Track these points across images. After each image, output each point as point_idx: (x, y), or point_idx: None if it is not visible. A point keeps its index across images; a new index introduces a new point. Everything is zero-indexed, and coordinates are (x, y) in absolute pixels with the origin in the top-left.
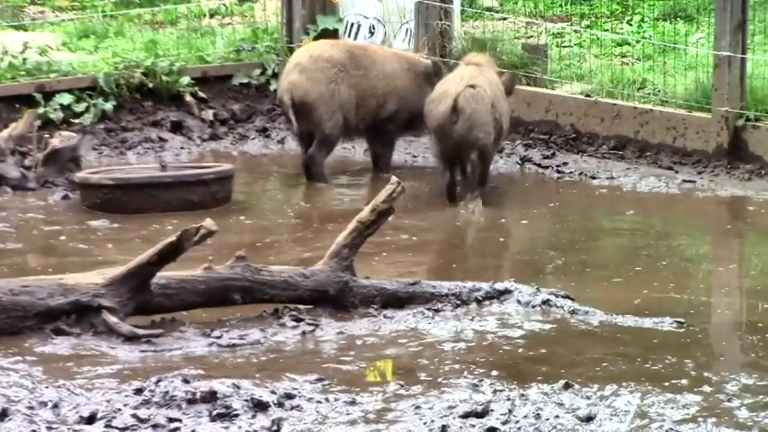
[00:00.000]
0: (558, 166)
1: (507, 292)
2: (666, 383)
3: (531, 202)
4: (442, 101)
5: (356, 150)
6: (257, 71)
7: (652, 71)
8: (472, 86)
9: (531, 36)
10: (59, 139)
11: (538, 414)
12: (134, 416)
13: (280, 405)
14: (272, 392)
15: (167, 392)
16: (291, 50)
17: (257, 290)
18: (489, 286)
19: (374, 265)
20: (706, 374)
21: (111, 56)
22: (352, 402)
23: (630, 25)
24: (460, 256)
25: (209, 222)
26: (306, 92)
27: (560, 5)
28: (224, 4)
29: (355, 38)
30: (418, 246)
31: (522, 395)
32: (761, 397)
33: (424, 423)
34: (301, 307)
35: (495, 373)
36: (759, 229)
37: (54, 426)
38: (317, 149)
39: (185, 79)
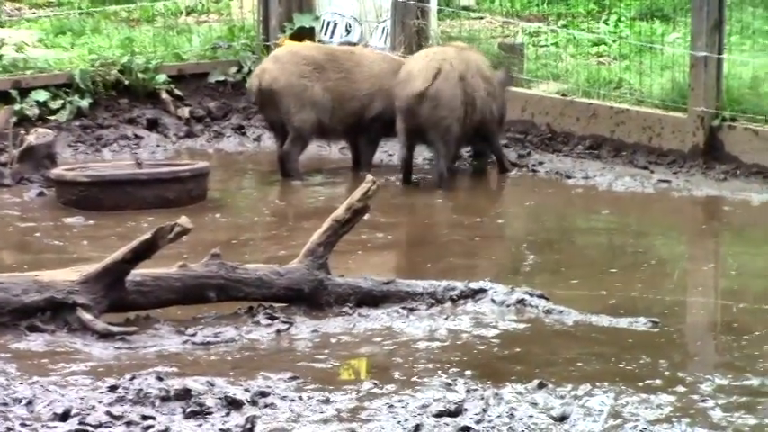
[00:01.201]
0: (533, 165)
1: (482, 291)
2: (640, 383)
3: (506, 201)
4: (409, 82)
5: (331, 149)
6: (233, 69)
7: (628, 71)
8: (437, 65)
9: (508, 35)
10: (35, 136)
11: (512, 413)
12: (108, 413)
13: (253, 403)
14: (246, 390)
15: (141, 390)
16: (268, 48)
17: (232, 288)
18: (464, 285)
19: (349, 263)
20: (680, 374)
21: (87, 53)
22: (326, 401)
23: (607, 25)
24: (435, 255)
25: (184, 220)
26: (274, 78)
27: (537, 5)
28: (201, 2)
29: (332, 36)
30: (393, 244)
31: (496, 394)
32: (735, 397)
33: (398, 422)
34: (276, 305)
35: (469, 372)
36: (734, 229)
37: (28, 422)
38: (290, 145)
39: (161, 77)
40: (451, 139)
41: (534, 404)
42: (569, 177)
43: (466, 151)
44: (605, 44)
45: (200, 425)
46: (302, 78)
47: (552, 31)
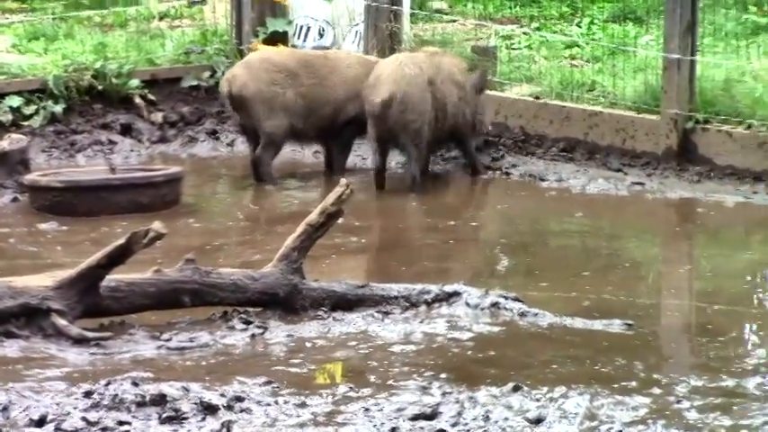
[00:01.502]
0: (507, 168)
1: (456, 294)
2: (616, 385)
3: (480, 204)
4: (377, 86)
5: (305, 153)
6: (207, 74)
7: (601, 73)
8: (406, 69)
9: (481, 38)
10: (8, 142)
11: (487, 416)
12: (83, 419)
13: (229, 408)
14: (222, 395)
15: (117, 395)
16: (241, 53)
17: (206, 292)
18: (438, 289)
19: (324, 267)
20: (655, 376)
21: (60, 58)
22: (302, 405)
23: (580, 27)
24: (410, 259)
25: (158, 225)
26: (244, 84)
27: (509, 8)
28: (173, 7)
29: (305, 40)
30: (367, 248)
31: (472, 397)
32: (710, 399)
33: (374, 425)
34: (251, 310)
35: (444, 375)
36: (708, 230)
37: (4, 428)
38: (262, 150)
39: (135, 82)
40: (422, 142)
41: (509, 407)
42: (543, 180)
43: (440, 155)
44: (578, 47)
45: (175, 430)
46: (273, 85)
47: (525, 33)
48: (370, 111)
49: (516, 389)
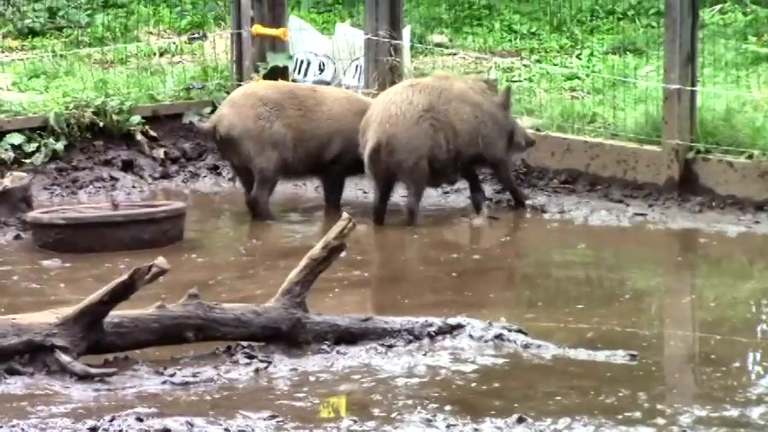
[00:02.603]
0: (509, 200)
1: (460, 326)
2: (620, 416)
3: (483, 236)
4: (366, 130)
5: (307, 187)
6: (207, 109)
7: (602, 105)
8: (391, 109)
9: (481, 71)
10: (10, 180)
11: None
12: None
13: None
14: (226, 430)
15: (121, 431)
16: None
17: (210, 327)
18: (442, 321)
19: (327, 301)
20: (659, 407)
21: (61, 95)
22: None
23: (580, 59)
24: (413, 292)
25: (161, 261)
26: (231, 125)
27: (510, 40)
28: (174, 43)
29: (305, 75)
30: (370, 281)
31: (476, 430)
32: (714, 429)
33: None
34: (254, 344)
35: (448, 407)
36: (710, 261)
37: None
38: (258, 190)
39: (136, 118)
40: (420, 176)
41: None
42: (545, 212)
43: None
44: (579, 78)
45: None
46: (259, 120)
47: (525, 66)
48: (363, 153)
49: (521, 420)
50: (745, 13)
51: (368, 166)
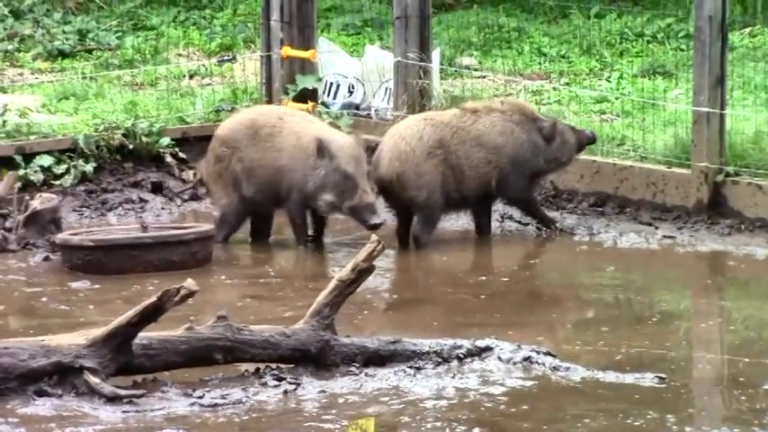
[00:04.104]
0: (538, 222)
1: (488, 349)
2: None
3: (511, 258)
4: (376, 167)
5: None
6: None
7: (631, 127)
8: (399, 144)
9: (510, 94)
10: (40, 201)
11: None
12: None
13: None
14: None
15: None
16: None
17: (239, 349)
18: (470, 343)
19: (355, 323)
20: (688, 429)
21: (90, 117)
22: None
23: (609, 82)
24: (441, 314)
25: (190, 282)
26: (202, 171)
27: (539, 63)
28: (203, 65)
29: (335, 97)
30: (399, 304)
31: None
32: None
33: None
34: (283, 366)
35: (477, 430)
36: (739, 283)
37: None
38: (216, 228)
39: (165, 140)
40: (432, 209)
41: None
42: (574, 234)
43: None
44: (608, 101)
45: None
46: (217, 164)
47: (554, 88)
48: (376, 186)
49: None
50: None
51: (382, 195)
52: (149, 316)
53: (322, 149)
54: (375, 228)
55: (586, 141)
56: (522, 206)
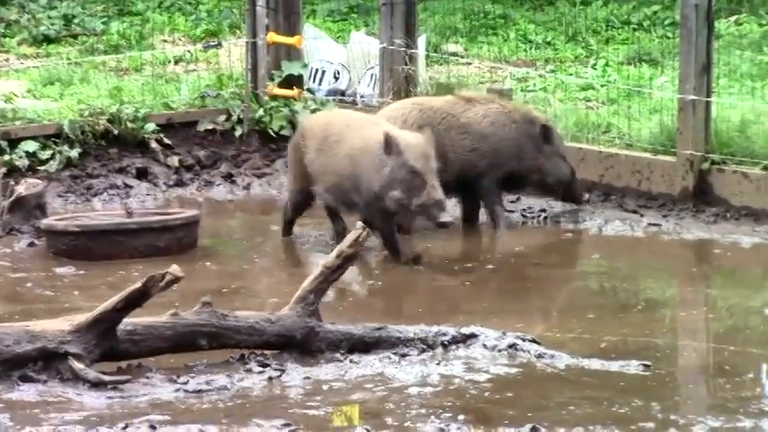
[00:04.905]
0: (523, 210)
1: (473, 336)
2: (633, 426)
3: (496, 246)
4: None
5: None
6: (222, 117)
7: (617, 115)
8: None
9: (496, 81)
10: (25, 187)
11: None
12: None
13: None
14: None
15: None
16: (257, 96)
17: (223, 335)
18: (455, 330)
19: (340, 310)
20: (673, 417)
21: (76, 103)
22: None
23: (595, 69)
24: (426, 301)
25: (174, 268)
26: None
27: (525, 50)
28: (189, 51)
29: (320, 83)
30: (384, 291)
31: None
32: None
33: None
34: (267, 352)
35: (461, 417)
36: (725, 272)
37: None
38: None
39: (150, 126)
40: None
41: None
42: (559, 222)
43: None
44: (593, 89)
45: None
46: (294, 151)
47: (540, 75)
48: None
49: (534, 430)
50: (760, 24)
51: None
52: (134, 302)
53: (389, 145)
54: (444, 226)
55: (570, 181)
56: (485, 198)
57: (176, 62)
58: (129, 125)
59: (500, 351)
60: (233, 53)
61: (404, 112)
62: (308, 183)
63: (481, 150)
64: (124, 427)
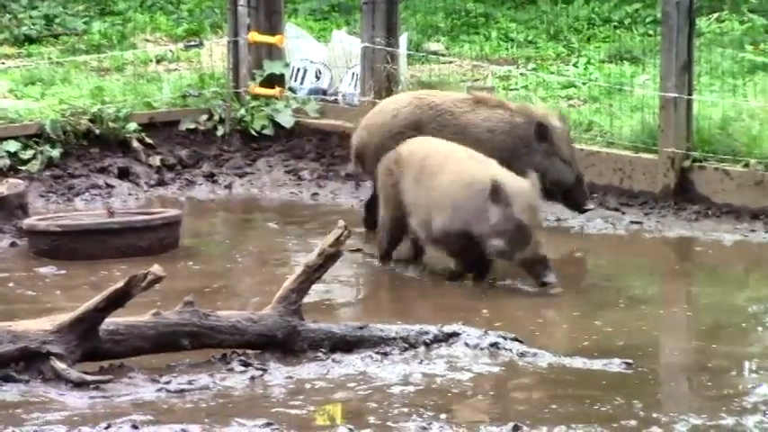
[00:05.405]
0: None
1: (455, 334)
2: (615, 425)
3: None
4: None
5: (303, 195)
6: (204, 117)
7: (598, 113)
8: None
9: (478, 79)
10: (6, 187)
11: None
12: None
13: None
14: None
15: None
16: (238, 96)
17: (206, 335)
18: (437, 329)
19: (323, 309)
20: (655, 415)
21: (57, 103)
22: None
23: (576, 67)
24: (408, 300)
25: (156, 268)
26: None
27: (506, 48)
28: (170, 50)
29: (302, 83)
30: (366, 290)
31: None
32: None
33: None
34: (250, 352)
35: (444, 416)
36: (707, 269)
37: None
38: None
39: (132, 125)
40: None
41: None
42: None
43: None
44: (575, 87)
45: None
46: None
47: (522, 74)
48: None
49: (516, 429)
50: (741, 22)
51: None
52: (116, 301)
53: (497, 193)
54: (546, 286)
55: (571, 185)
56: None
57: (158, 62)
58: (111, 125)
59: (482, 349)
60: (214, 52)
61: (396, 107)
62: (401, 211)
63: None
64: (107, 427)
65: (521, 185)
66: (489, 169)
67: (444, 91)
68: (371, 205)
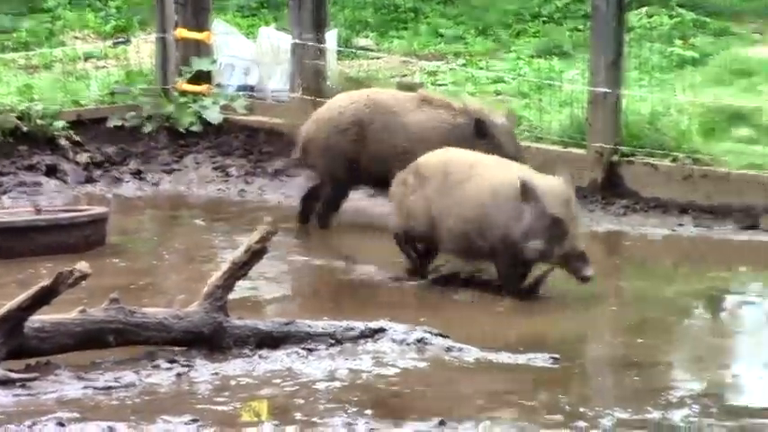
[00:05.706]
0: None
1: (381, 330)
2: (542, 419)
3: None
4: None
5: (231, 191)
6: (132, 114)
7: (528, 108)
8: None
9: (406, 75)
10: None
11: None
12: None
13: None
14: None
15: None
16: (166, 92)
17: (131, 332)
18: (363, 325)
19: (248, 306)
20: (581, 409)
21: None
22: None
23: (505, 62)
24: (336, 296)
25: (83, 265)
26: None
27: (435, 44)
28: (99, 48)
29: (230, 79)
30: (293, 286)
31: None
32: (636, 431)
33: None
34: (176, 348)
35: (369, 411)
36: (635, 263)
37: None
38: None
39: (60, 123)
40: (333, 185)
41: None
42: None
43: None
44: (504, 82)
45: None
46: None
47: (451, 69)
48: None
49: (442, 423)
50: (671, 17)
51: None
52: (42, 299)
53: (527, 191)
54: (587, 280)
55: None
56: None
57: (86, 59)
58: (39, 122)
59: (409, 345)
60: (142, 49)
61: (344, 104)
62: (416, 222)
63: (413, 154)
64: (32, 425)
65: (550, 182)
66: (516, 171)
67: (378, 87)
68: (309, 198)
